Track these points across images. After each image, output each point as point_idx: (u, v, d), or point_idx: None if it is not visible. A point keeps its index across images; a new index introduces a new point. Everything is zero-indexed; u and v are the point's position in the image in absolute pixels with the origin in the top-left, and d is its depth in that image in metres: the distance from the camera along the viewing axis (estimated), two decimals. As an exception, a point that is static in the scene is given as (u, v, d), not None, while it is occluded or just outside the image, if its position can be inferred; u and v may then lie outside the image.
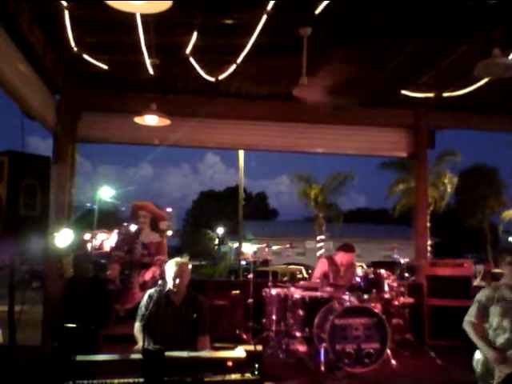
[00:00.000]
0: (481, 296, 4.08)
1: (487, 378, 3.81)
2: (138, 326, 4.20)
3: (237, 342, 5.23)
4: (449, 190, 26.89)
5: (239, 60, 5.68)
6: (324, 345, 5.32)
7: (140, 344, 3.91)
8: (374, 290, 5.90)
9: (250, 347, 3.29)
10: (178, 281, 4.19)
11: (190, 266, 4.47)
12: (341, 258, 6.48)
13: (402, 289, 6.36)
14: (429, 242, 8.08)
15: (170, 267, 4.25)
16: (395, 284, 6.22)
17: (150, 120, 6.20)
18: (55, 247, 5.59)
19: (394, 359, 5.49)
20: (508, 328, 3.84)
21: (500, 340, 3.86)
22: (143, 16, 4.63)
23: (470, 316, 4.03)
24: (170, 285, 4.23)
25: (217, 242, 47.91)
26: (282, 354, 5.86)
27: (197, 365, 3.14)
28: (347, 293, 5.82)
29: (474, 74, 5.01)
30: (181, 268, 4.23)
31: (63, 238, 5.48)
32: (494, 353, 3.76)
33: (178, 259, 4.38)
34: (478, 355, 3.94)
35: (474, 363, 3.96)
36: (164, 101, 6.61)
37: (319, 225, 30.54)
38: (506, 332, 3.84)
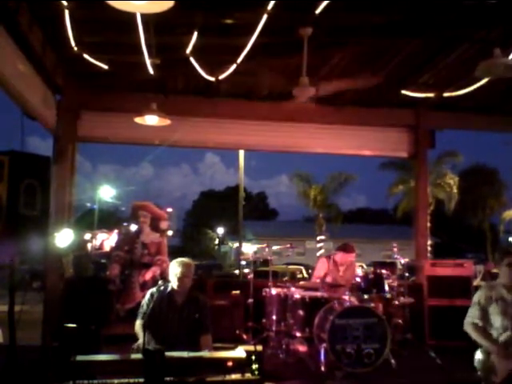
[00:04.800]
0: (479, 297, 4.07)
1: (490, 377, 3.80)
2: (138, 323, 4.21)
3: (237, 342, 5.23)
4: (455, 190, 26.83)
5: (239, 60, 5.67)
6: (324, 345, 5.31)
7: (140, 341, 3.92)
8: (374, 290, 5.90)
9: (250, 347, 3.30)
10: (182, 281, 4.19)
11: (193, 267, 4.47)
12: (340, 257, 6.48)
13: (402, 289, 6.36)
14: (429, 242, 8.08)
15: (175, 267, 4.24)
16: (395, 284, 6.22)
17: (151, 120, 6.20)
18: (55, 247, 5.59)
19: (394, 359, 5.48)
20: (509, 327, 3.85)
21: (501, 339, 3.86)
22: (143, 16, 4.63)
23: (472, 318, 4.02)
24: (173, 284, 4.23)
25: (217, 241, 47.91)
26: (282, 354, 5.85)
27: (197, 365, 3.15)
28: (347, 293, 5.82)
29: (474, 74, 5.01)
30: (186, 268, 4.23)
31: (63, 237, 5.48)
32: (498, 347, 3.77)
33: (183, 259, 4.36)
34: (479, 354, 3.94)
35: (476, 362, 3.96)
36: (164, 101, 6.60)
37: (319, 225, 30.51)
38: (507, 331, 3.85)
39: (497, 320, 3.92)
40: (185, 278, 4.21)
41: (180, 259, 4.34)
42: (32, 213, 3.20)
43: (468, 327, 4.01)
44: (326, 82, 6.38)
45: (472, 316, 4.03)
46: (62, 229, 5.84)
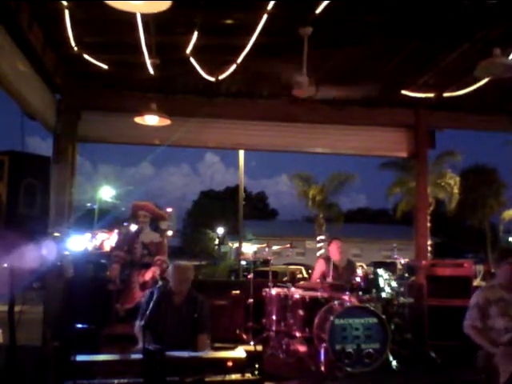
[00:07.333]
0: (477, 298, 4.06)
1: (492, 378, 3.80)
2: (138, 324, 4.21)
3: (237, 342, 5.23)
4: (456, 190, 26.78)
5: (239, 60, 5.68)
6: (324, 345, 5.32)
7: (140, 344, 3.92)
8: (374, 290, 5.90)
9: (250, 347, 3.30)
10: (180, 285, 4.24)
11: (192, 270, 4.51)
12: (335, 249, 6.54)
13: (402, 289, 6.36)
14: (429, 242, 8.07)
15: (173, 271, 4.30)
16: (395, 284, 6.22)
17: (151, 120, 6.19)
18: (55, 247, 5.59)
19: (394, 359, 5.49)
20: (510, 328, 3.84)
21: (503, 340, 3.85)
22: (143, 16, 4.63)
23: (472, 320, 4.01)
24: (172, 285, 4.26)
25: (217, 242, 47.90)
26: (282, 354, 5.85)
27: (197, 365, 3.15)
28: (347, 293, 5.82)
29: (474, 74, 5.01)
30: (184, 273, 4.29)
31: (63, 238, 5.49)
32: (500, 348, 3.76)
33: (181, 263, 4.43)
34: (481, 355, 3.94)
35: (478, 363, 3.95)
36: (164, 101, 6.60)
37: (319, 225, 30.52)
38: (508, 332, 3.84)
39: (498, 322, 3.90)
40: (183, 282, 4.27)
41: (178, 263, 4.42)
42: (32, 212, 3.21)
43: (468, 330, 4.00)
44: (324, 87, 6.41)
45: (471, 318, 4.02)
46: (62, 229, 5.84)
